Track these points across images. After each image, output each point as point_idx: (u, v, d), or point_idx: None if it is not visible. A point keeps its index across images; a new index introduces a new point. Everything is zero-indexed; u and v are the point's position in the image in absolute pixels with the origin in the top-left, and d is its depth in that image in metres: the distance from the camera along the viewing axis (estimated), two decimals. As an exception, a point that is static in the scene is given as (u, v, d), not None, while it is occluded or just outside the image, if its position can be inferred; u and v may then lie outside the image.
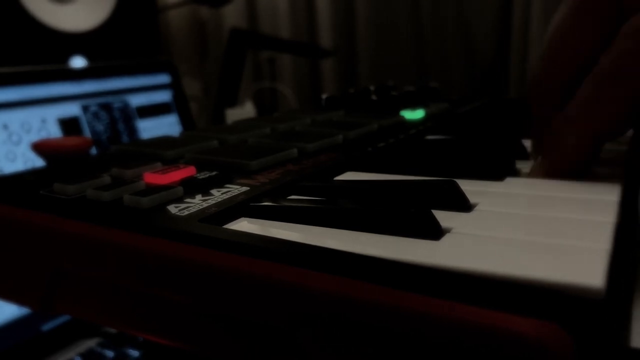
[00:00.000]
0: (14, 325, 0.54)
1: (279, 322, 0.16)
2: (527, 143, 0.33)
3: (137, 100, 0.73)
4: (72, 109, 0.65)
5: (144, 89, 0.74)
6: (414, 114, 0.43)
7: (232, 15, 1.59)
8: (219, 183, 0.24)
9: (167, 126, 0.76)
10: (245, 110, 1.20)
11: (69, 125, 0.64)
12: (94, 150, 0.32)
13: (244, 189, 0.23)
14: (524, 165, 0.28)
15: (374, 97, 0.49)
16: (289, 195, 0.24)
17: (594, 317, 0.13)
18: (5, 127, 0.58)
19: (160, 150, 0.30)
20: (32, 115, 0.61)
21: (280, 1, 1.56)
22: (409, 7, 1.40)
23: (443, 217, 0.19)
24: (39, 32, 0.80)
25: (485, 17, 1.32)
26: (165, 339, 0.19)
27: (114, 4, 0.89)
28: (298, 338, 0.15)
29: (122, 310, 0.20)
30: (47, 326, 0.57)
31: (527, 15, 1.25)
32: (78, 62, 0.84)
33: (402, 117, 0.43)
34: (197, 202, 0.21)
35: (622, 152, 0.30)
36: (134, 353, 0.57)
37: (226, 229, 0.19)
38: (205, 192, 0.23)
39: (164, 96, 0.77)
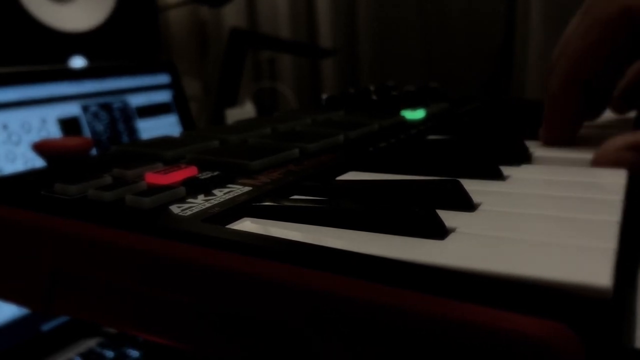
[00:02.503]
0: (14, 325, 0.54)
1: (282, 322, 0.15)
2: (528, 143, 0.33)
3: (137, 100, 0.73)
4: (72, 109, 0.65)
5: (144, 89, 0.74)
6: (415, 114, 0.43)
7: (232, 15, 1.59)
8: (221, 183, 0.24)
9: (167, 126, 0.76)
10: (245, 110, 1.19)
11: (69, 125, 0.64)
12: (94, 151, 0.32)
13: (246, 189, 0.23)
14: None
15: (374, 97, 0.49)
16: (291, 195, 0.24)
17: (601, 316, 0.13)
18: (5, 127, 0.58)
19: (161, 151, 0.30)
20: (32, 115, 0.60)
21: (280, 1, 1.56)
22: (410, 7, 1.40)
23: (447, 217, 0.19)
24: (38, 32, 0.80)
25: (489, 18, 1.32)
26: (167, 340, 0.19)
27: (114, 4, 0.89)
28: (302, 337, 0.15)
29: (123, 311, 0.20)
30: (47, 326, 0.56)
31: (527, 14, 1.25)
32: (78, 62, 0.84)
33: (403, 117, 0.42)
34: (199, 202, 0.21)
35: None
36: (134, 353, 0.56)
37: (229, 229, 0.19)
38: (208, 192, 0.23)
39: (164, 96, 0.77)
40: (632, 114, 0.43)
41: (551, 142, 0.33)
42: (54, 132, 0.62)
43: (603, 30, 0.30)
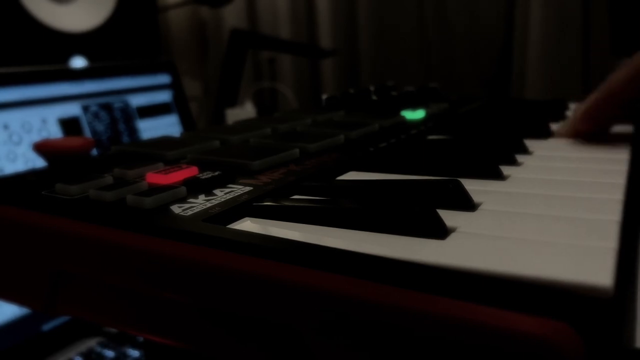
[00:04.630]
0: (14, 325, 0.54)
1: (283, 321, 0.15)
2: (529, 143, 0.33)
3: (137, 101, 0.73)
4: (72, 109, 0.65)
5: (145, 89, 0.74)
6: (415, 114, 0.43)
7: (232, 15, 1.59)
8: (222, 183, 0.24)
9: (167, 126, 0.76)
10: (245, 110, 1.19)
11: (69, 125, 0.64)
12: (94, 151, 0.32)
13: (247, 189, 0.23)
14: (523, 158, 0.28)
15: (374, 98, 0.49)
16: (292, 195, 0.24)
17: (602, 316, 0.13)
18: (6, 127, 0.58)
19: (162, 151, 0.30)
20: (32, 115, 0.61)
21: (280, 1, 1.56)
22: (410, 7, 1.40)
23: (447, 217, 0.19)
24: (39, 32, 0.80)
25: (488, 18, 1.32)
26: (169, 340, 0.19)
27: (114, 4, 0.89)
28: (302, 336, 0.15)
29: (125, 311, 0.20)
30: (47, 326, 0.57)
31: (527, 16, 1.25)
32: (78, 62, 0.84)
33: (403, 117, 0.42)
34: (200, 202, 0.21)
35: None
36: (134, 353, 0.57)
37: (230, 228, 0.19)
38: (209, 192, 0.23)
39: (164, 96, 0.77)
40: None
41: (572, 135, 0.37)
42: (54, 132, 0.62)
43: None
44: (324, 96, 0.50)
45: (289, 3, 1.55)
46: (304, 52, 1.48)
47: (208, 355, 0.18)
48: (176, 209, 0.21)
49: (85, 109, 0.66)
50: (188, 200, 0.22)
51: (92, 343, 0.58)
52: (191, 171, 0.25)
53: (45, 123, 0.62)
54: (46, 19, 0.81)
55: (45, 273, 0.21)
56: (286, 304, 0.15)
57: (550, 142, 0.35)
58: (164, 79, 0.78)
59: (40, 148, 0.29)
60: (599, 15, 1.17)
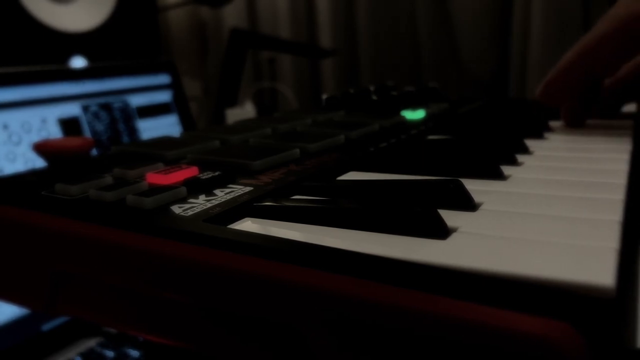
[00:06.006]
0: (14, 325, 0.54)
1: (284, 321, 0.15)
2: (529, 142, 0.33)
3: (137, 101, 0.73)
4: (72, 109, 0.65)
5: (144, 89, 0.74)
6: (415, 114, 0.43)
7: (232, 15, 1.59)
8: (222, 183, 0.24)
9: (167, 126, 0.76)
10: (245, 110, 1.20)
11: (69, 125, 0.64)
12: (94, 151, 0.32)
13: (248, 189, 0.23)
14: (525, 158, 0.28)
15: (374, 97, 0.49)
16: (293, 195, 0.24)
17: (604, 316, 0.13)
18: (6, 127, 0.58)
19: (162, 151, 0.30)
20: (32, 115, 0.60)
21: (280, 1, 1.56)
22: (410, 8, 1.40)
23: (448, 217, 0.19)
24: (39, 32, 0.80)
25: (484, 20, 1.32)
26: (169, 340, 0.19)
27: (114, 4, 0.89)
28: (303, 336, 0.15)
29: (125, 311, 0.20)
30: (47, 326, 0.56)
31: (527, 16, 1.25)
32: (78, 62, 0.84)
33: (403, 117, 0.42)
34: (200, 203, 0.21)
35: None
36: (134, 353, 0.56)
37: (230, 229, 0.19)
38: (209, 193, 0.23)
39: (164, 96, 0.77)
40: (629, 108, 0.44)
41: (545, 100, 0.39)
42: (54, 132, 0.62)
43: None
44: (324, 96, 0.50)
45: (289, 3, 1.55)
46: (304, 52, 1.48)
47: (208, 355, 0.18)
48: (176, 209, 0.20)
49: (85, 109, 0.66)
50: (188, 201, 0.22)
51: (92, 343, 0.58)
52: (191, 171, 0.25)
53: (45, 123, 0.62)
54: (46, 19, 0.81)
55: (46, 273, 0.21)
56: (287, 304, 0.15)
57: (551, 142, 0.35)
58: (164, 79, 0.78)
59: (40, 148, 0.29)
60: (599, 16, 1.17)
